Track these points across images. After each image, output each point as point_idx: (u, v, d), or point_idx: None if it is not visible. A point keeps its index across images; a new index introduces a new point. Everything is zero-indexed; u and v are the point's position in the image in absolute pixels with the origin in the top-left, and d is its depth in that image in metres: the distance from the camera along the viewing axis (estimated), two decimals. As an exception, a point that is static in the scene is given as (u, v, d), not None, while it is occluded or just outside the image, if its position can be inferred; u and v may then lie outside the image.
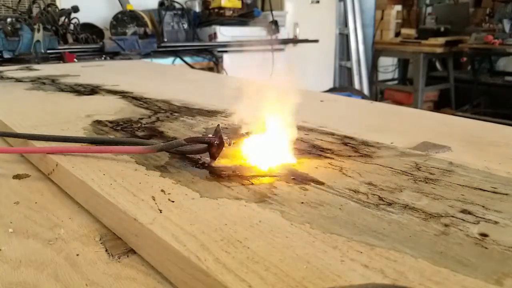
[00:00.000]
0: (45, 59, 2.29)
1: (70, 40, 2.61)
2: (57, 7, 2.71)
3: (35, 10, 2.58)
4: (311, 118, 0.74)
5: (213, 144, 0.49)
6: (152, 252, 0.36)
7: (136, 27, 2.83)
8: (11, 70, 1.51)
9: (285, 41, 3.52)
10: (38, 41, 2.29)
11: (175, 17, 3.10)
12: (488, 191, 0.43)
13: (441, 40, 4.01)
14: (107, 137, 0.64)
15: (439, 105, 4.40)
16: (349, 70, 4.70)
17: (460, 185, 0.45)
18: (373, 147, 0.58)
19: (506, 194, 0.42)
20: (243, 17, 3.29)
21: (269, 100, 0.51)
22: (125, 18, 2.89)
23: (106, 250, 0.39)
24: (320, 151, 0.56)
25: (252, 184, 0.45)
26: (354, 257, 0.31)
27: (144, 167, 0.50)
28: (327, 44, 4.38)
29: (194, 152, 0.52)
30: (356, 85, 4.59)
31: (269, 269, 0.30)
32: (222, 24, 3.16)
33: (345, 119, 0.81)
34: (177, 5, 3.17)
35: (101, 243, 0.40)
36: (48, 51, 2.37)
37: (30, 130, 0.66)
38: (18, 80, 1.27)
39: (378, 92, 4.78)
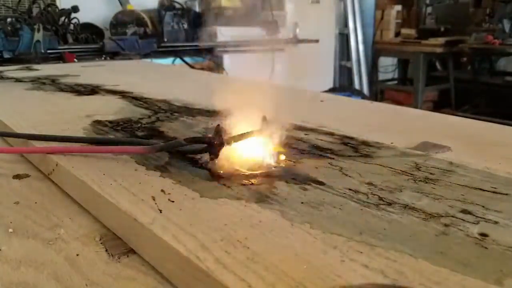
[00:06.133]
0: (45, 59, 2.29)
1: (70, 40, 2.61)
2: (57, 7, 2.70)
3: (35, 10, 2.57)
4: (311, 118, 0.74)
5: (213, 144, 0.49)
6: (152, 252, 0.36)
7: (136, 27, 2.83)
8: (11, 70, 1.51)
9: (285, 41, 3.52)
10: (38, 41, 2.29)
11: (175, 17, 3.10)
12: (488, 191, 0.43)
13: (441, 40, 4.01)
14: (107, 137, 0.64)
15: (439, 105, 4.39)
16: (349, 70, 4.70)
17: (460, 185, 0.45)
18: (373, 147, 0.58)
19: (506, 194, 0.42)
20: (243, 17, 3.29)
21: (270, 100, 0.51)
22: (125, 18, 2.89)
23: (106, 250, 0.39)
24: (320, 151, 0.56)
25: (252, 184, 0.45)
26: (354, 257, 0.31)
27: (144, 167, 0.50)
28: (327, 44, 4.38)
29: (194, 152, 0.52)
30: (356, 85, 4.59)
31: (269, 269, 0.30)
32: (222, 24, 3.16)
33: (345, 119, 0.81)
34: (177, 5, 3.16)
35: (101, 243, 0.40)
36: (48, 51, 2.37)
37: (30, 130, 0.66)
38: (18, 80, 1.27)
39: (378, 92, 4.78)
